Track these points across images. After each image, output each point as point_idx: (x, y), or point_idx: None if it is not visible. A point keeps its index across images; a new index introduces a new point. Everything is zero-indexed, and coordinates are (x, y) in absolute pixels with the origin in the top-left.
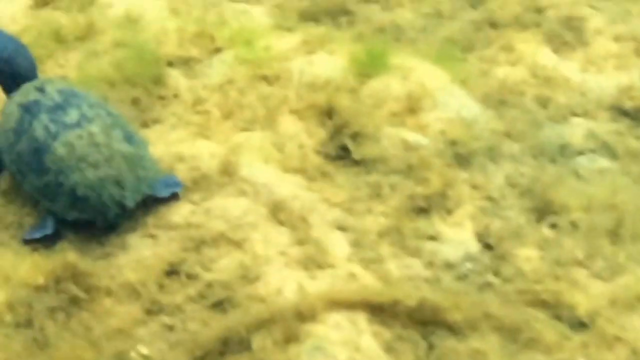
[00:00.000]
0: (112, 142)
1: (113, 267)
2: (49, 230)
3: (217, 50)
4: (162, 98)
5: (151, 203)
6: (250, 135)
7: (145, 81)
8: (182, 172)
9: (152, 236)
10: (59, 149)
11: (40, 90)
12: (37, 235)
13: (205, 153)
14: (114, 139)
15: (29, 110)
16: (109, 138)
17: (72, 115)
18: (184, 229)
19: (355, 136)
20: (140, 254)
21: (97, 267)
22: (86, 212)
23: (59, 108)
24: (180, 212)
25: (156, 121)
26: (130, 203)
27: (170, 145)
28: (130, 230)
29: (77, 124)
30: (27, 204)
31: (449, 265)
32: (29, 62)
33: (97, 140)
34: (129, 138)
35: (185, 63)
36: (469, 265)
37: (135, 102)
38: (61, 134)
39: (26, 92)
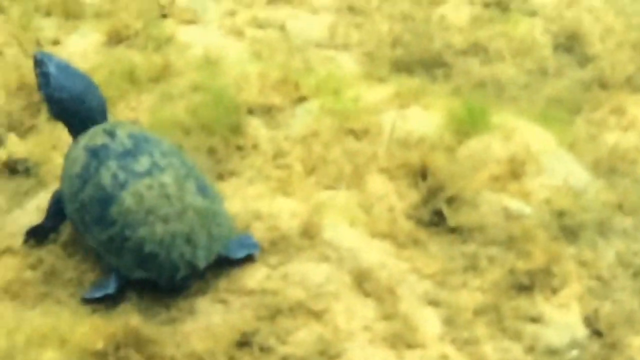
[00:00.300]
0: (184, 195)
1: (179, 334)
2: (111, 289)
3: (302, 99)
4: (240, 148)
5: (224, 264)
6: (334, 194)
7: (223, 129)
8: (258, 232)
9: (224, 301)
10: (127, 199)
11: (110, 133)
12: (98, 294)
13: (285, 211)
14: (187, 191)
15: (96, 155)
16: (181, 190)
17: (143, 163)
18: (258, 295)
19: (451, 201)
20: (209, 320)
21: (162, 334)
22: (153, 271)
23: (129, 154)
24: (255, 277)
25: (233, 174)
26: (201, 263)
27: (247, 201)
28: (200, 293)
29: (148, 173)
30: (89, 258)
31: (552, 352)
32: (99, 102)
33: (168, 192)
34: (204, 191)
35: (267, 111)
36: (575, 353)
37: (211, 151)
38: (130, 183)
39: (94, 136)
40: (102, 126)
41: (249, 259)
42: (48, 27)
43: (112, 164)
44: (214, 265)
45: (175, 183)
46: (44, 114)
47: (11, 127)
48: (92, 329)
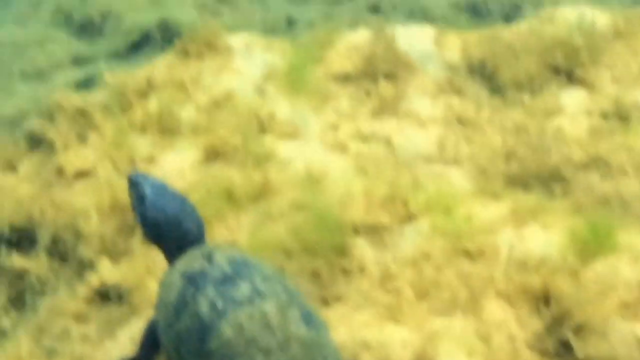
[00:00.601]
0: (288, 325)
1: None
2: None
3: (411, 218)
4: (345, 272)
5: None
6: (449, 321)
7: (327, 251)
8: None
9: None
10: (226, 330)
11: (208, 258)
12: None
13: (395, 341)
14: (291, 321)
15: (193, 281)
16: (284, 319)
17: (243, 290)
18: None
19: (578, 330)
20: None
21: None
22: None
23: (228, 280)
24: None
25: (338, 299)
26: None
27: (354, 329)
28: None
29: (249, 301)
30: None
31: None
32: (196, 224)
33: (270, 322)
34: (308, 320)
35: (374, 231)
36: None
37: (314, 275)
38: (229, 312)
39: (191, 260)
40: (200, 250)
41: None
42: (143, 145)
43: (210, 291)
44: None
45: (278, 312)
46: (138, 237)
47: (103, 251)
48: None
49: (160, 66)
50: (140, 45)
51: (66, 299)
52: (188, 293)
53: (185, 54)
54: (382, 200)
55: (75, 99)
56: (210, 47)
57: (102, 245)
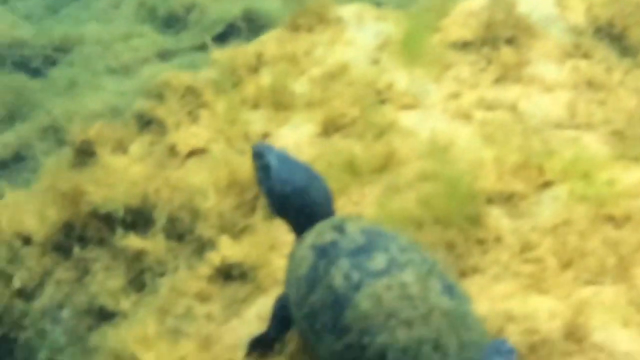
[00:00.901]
0: (429, 295)
1: None
2: None
3: (547, 184)
4: (481, 242)
5: None
6: (598, 289)
7: (460, 221)
8: (513, 336)
9: None
10: (363, 302)
11: (339, 229)
12: None
13: (542, 312)
14: (432, 291)
15: (325, 254)
16: (425, 289)
17: (379, 261)
18: None
19: None
20: None
21: None
22: None
23: (362, 251)
24: None
25: (476, 270)
26: None
27: (496, 300)
28: None
29: (385, 271)
30: None
31: None
32: (324, 195)
33: (410, 292)
34: (449, 290)
35: (508, 200)
36: None
37: (449, 246)
38: (365, 283)
39: (321, 232)
40: (330, 221)
41: None
42: (256, 120)
43: (344, 263)
44: None
45: (418, 282)
46: (258, 213)
47: (223, 229)
48: None
49: (269, 41)
50: (225, 36)
51: (187, 278)
52: (320, 266)
53: (295, 27)
54: (515, 168)
55: (185, 77)
56: (321, 19)
57: (221, 223)
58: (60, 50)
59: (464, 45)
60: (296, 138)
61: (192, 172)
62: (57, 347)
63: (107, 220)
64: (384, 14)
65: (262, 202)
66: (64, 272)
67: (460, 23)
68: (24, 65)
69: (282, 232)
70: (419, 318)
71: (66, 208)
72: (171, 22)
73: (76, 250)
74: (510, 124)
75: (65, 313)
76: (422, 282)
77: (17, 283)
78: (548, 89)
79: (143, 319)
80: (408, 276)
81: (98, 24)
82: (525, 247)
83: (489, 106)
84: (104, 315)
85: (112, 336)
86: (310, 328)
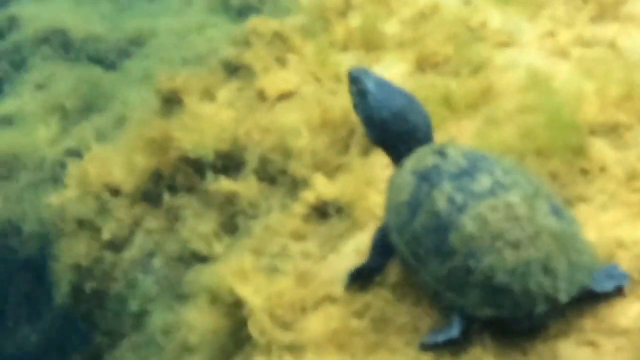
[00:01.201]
0: (536, 216)
1: None
2: (454, 333)
3: None
4: (585, 172)
5: (587, 299)
6: None
7: (563, 152)
8: (624, 262)
9: (592, 344)
10: (468, 224)
11: (440, 153)
12: (440, 339)
13: None
14: (539, 212)
15: (426, 178)
16: (532, 210)
17: (483, 183)
18: (635, 335)
19: None
20: None
21: None
22: (504, 307)
23: (466, 174)
24: (627, 313)
25: (582, 199)
26: (563, 296)
27: (604, 228)
28: (562, 335)
29: (490, 193)
30: (424, 300)
31: None
32: (424, 120)
33: (517, 213)
34: (557, 212)
35: (612, 131)
36: None
37: (552, 176)
38: (470, 205)
39: (422, 157)
40: (430, 147)
41: (618, 292)
42: (347, 61)
43: (447, 186)
44: (576, 300)
45: (524, 203)
46: (353, 151)
47: (317, 167)
48: None
49: None
50: None
51: (281, 218)
52: (422, 191)
53: None
54: (618, 100)
55: (272, 23)
56: None
57: (314, 161)
58: (135, 44)
59: None
60: (389, 76)
61: (283, 114)
62: (149, 297)
63: (197, 166)
64: None
65: (357, 140)
66: (153, 221)
67: None
68: (99, 59)
69: (378, 168)
70: (527, 239)
71: (154, 156)
72: (245, 12)
73: (166, 198)
74: (610, 59)
75: (156, 262)
76: (528, 203)
77: (106, 235)
78: None
79: (238, 258)
80: (514, 197)
81: (171, 18)
82: (632, 177)
83: (587, 43)
84: (196, 260)
85: (207, 274)
86: (413, 255)
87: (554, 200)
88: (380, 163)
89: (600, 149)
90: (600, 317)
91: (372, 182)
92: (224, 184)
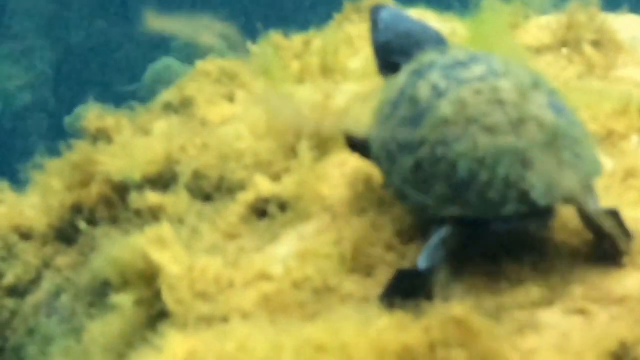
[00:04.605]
0: (526, 104)
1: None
2: (422, 264)
3: None
4: None
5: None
6: None
7: None
8: None
9: (582, 312)
10: (444, 107)
11: (442, 51)
12: (404, 274)
13: None
14: (532, 102)
15: (418, 73)
16: (524, 98)
17: (476, 71)
18: (635, 302)
19: None
20: (564, 336)
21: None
22: (470, 205)
23: (461, 65)
24: (624, 282)
25: None
26: (539, 197)
27: None
28: (545, 302)
29: (480, 79)
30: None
31: None
32: (436, 40)
33: (502, 97)
34: (558, 109)
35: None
36: None
37: None
38: (452, 90)
39: (421, 58)
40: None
41: (615, 254)
42: (301, 92)
43: (435, 76)
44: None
45: (516, 89)
46: (304, 155)
47: (259, 169)
48: (394, 323)
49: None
50: None
51: (214, 220)
52: (409, 84)
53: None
54: None
55: (220, 62)
56: None
57: (256, 162)
58: None
59: (538, 50)
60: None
61: (225, 129)
62: (50, 338)
63: (122, 193)
64: (448, 18)
65: (308, 145)
66: (65, 258)
67: (533, 32)
68: None
69: (331, 167)
70: (508, 124)
71: (74, 187)
72: None
73: (83, 230)
74: None
75: (64, 298)
76: (522, 91)
77: (9, 280)
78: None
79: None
80: (505, 83)
81: None
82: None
83: None
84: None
85: (117, 248)
86: (387, 155)
87: (558, 99)
88: (333, 162)
89: None
90: (592, 284)
91: (323, 178)
92: (149, 198)
